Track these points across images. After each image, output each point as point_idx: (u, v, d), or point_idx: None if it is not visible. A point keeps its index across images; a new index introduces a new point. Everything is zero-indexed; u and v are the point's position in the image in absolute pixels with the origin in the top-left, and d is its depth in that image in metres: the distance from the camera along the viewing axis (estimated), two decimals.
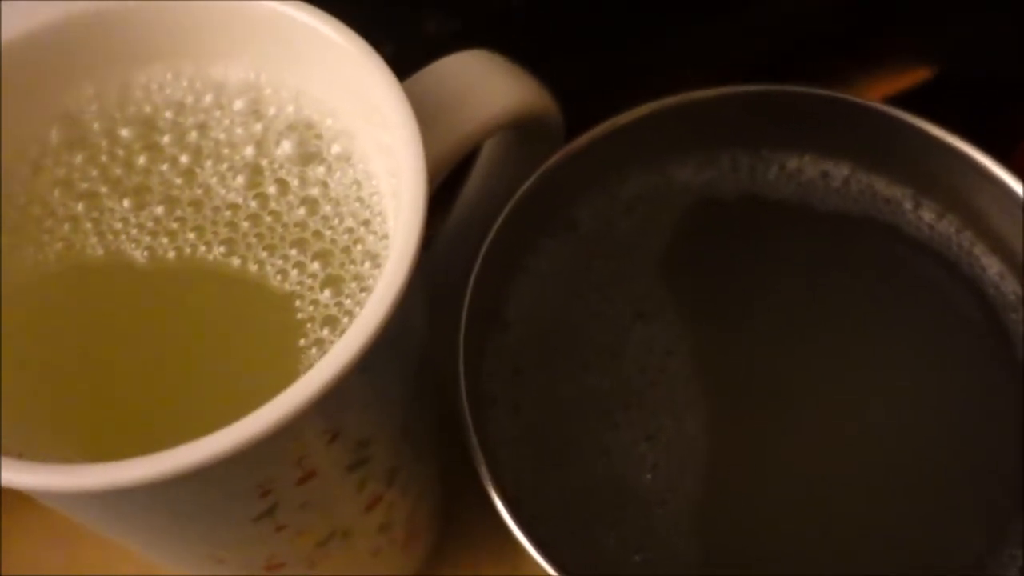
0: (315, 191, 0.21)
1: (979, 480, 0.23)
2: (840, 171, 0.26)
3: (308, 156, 0.22)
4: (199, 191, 0.22)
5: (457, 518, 0.30)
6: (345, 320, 0.20)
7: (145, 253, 0.21)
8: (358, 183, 0.21)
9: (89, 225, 0.21)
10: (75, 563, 0.30)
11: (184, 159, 0.22)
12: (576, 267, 0.26)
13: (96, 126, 0.22)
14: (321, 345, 0.20)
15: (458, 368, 0.23)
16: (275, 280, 0.21)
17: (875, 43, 0.32)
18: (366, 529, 0.24)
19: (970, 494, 0.23)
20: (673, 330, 0.25)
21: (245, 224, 0.21)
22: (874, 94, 0.32)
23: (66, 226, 0.21)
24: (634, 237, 0.26)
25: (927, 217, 0.26)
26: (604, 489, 0.23)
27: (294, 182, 0.22)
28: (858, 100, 0.25)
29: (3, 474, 0.17)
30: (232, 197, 0.21)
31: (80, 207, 0.22)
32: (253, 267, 0.21)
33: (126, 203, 0.22)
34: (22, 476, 0.17)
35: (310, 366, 0.19)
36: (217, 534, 0.21)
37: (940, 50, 0.32)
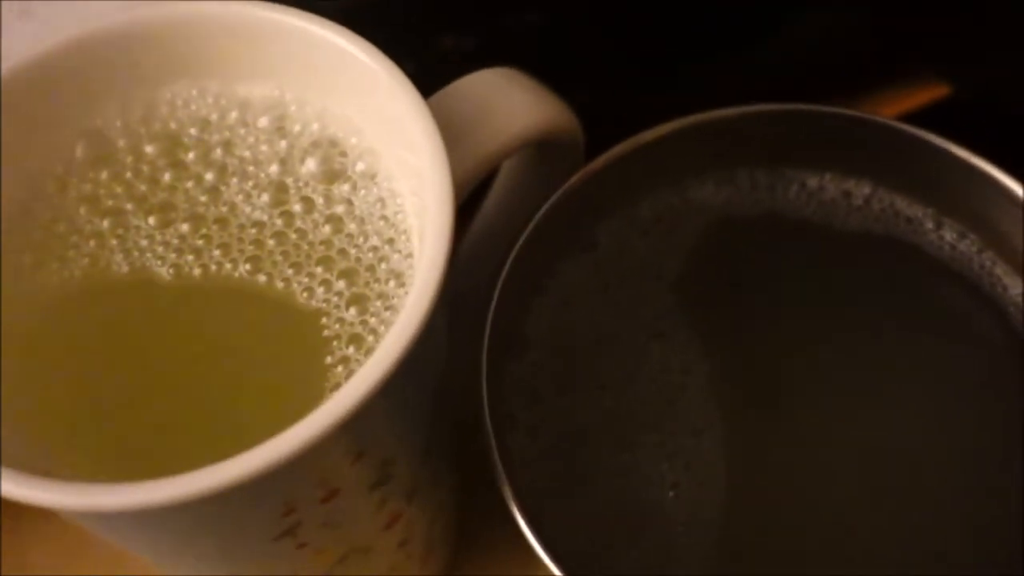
0: (340, 209, 0.21)
1: (1001, 499, 0.23)
2: (862, 190, 0.26)
3: (333, 174, 0.22)
4: (224, 209, 0.22)
5: (475, 534, 0.30)
6: (370, 338, 0.20)
7: (171, 270, 0.21)
8: (382, 201, 0.21)
9: (114, 242, 0.21)
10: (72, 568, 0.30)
11: (209, 176, 0.22)
12: (594, 288, 0.26)
13: (121, 143, 0.22)
14: (347, 363, 0.20)
15: (480, 389, 0.23)
16: (301, 298, 0.21)
17: (892, 59, 0.32)
18: (385, 546, 0.24)
19: (994, 513, 0.23)
20: (691, 350, 0.25)
21: (271, 242, 0.21)
22: (890, 111, 0.32)
23: (91, 243, 0.21)
24: (652, 257, 0.26)
25: (949, 237, 0.26)
26: (625, 510, 0.23)
27: (319, 200, 0.22)
28: (880, 119, 0.25)
29: (30, 493, 0.17)
30: (257, 215, 0.22)
31: (105, 224, 0.22)
32: (279, 284, 0.21)
33: (151, 220, 0.22)
34: (49, 495, 0.17)
35: (336, 384, 0.19)
36: (238, 552, 0.21)
37: (959, 66, 0.32)
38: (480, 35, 0.29)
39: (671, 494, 0.23)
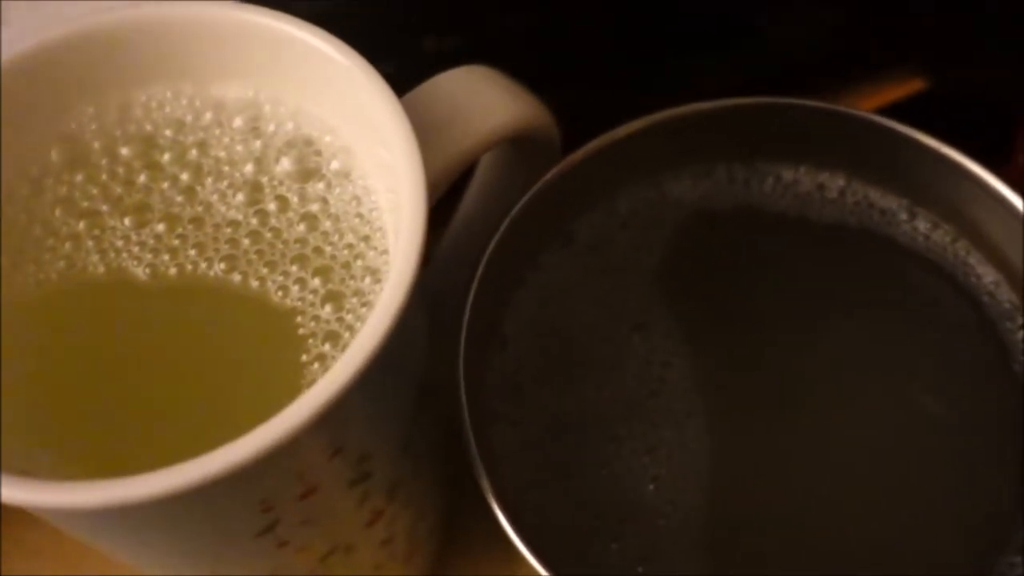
0: (315, 207, 0.22)
1: (978, 487, 0.23)
2: (836, 182, 0.27)
3: (307, 173, 0.22)
4: (200, 208, 0.22)
5: (459, 531, 0.30)
6: (347, 335, 0.20)
7: (147, 270, 0.21)
8: (357, 199, 0.22)
9: (91, 243, 0.22)
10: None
11: (184, 177, 0.22)
12: (573, 281, 0.26)
13: (96, 145, 0.22)
14: (323, 360, 0.20)
15: (458, 383, 0.23)
16: (276, 296, 0.21)
17: (868, 54, 0.33)
18: (368, 544, 0.24)
19: (970, 501, 0.23)
20: (671, 342, 0.25)
21: (246, 241, 0.21)
22: (868, 105, 0.32)
23: (68, 245, 0.22)
24: (631, 250, 0.26)
25: (923, 227, 0.26)
26: (606, 502, 0.23)
27: (294, 199, 0.22)
28: (854, 112, 0.25)
29: (5, 492, 0.17)
30: (232, 214, 0.22)
31: (81, 226, 0.22)
32: (254, 283, 0.21)
33: (127, 221, 0.22)
34: (24, 494, 0.17)
35: (313, 381, 0.19)
36: (218, 551, 0.21)
37: (934, 60, 0.32)
38: (462, 35, 0.29)
39: (651, 487, 0.23)
